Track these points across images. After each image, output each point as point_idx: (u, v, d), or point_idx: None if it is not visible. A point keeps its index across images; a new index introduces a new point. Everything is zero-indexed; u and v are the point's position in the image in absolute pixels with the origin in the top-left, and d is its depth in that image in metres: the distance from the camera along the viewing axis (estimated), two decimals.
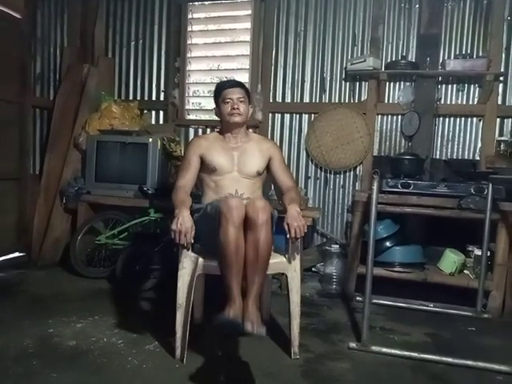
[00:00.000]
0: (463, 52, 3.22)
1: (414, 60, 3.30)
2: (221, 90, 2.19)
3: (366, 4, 3.41)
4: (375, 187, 2.10)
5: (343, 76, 3.49)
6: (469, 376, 1.91)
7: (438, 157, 3.30)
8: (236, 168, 2.16)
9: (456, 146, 3.30)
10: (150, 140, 3.28)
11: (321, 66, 3.54)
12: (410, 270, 2.82)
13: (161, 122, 3.89)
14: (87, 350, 2.02)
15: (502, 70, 3.15)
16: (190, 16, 3.78)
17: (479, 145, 3.24)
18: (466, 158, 3.27)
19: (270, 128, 3.62)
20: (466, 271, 2.87)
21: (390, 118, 3.41)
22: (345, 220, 3.52)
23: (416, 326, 2.45)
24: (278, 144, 3.43)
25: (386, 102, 3.40)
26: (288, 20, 3.57)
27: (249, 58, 3.65)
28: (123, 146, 3.34)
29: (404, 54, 3.34)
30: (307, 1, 3.52)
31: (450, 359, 2.01)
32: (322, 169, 3.56)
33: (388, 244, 2.86)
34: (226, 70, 3.73)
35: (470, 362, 1.98)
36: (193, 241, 1.87)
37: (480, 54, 3.19)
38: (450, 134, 3.30)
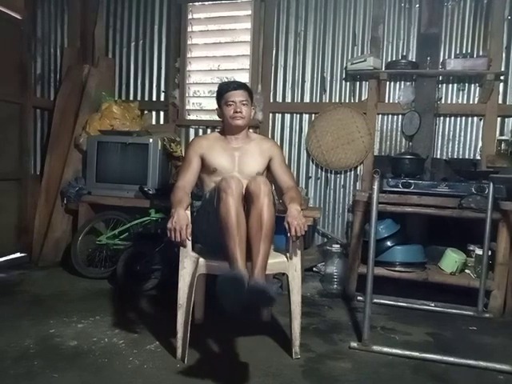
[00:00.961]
0: (463, 51, 3.23)
1: (414, 59, 3.30)
2: (223, 92, 2.16)
3: (366, 4, 3.41)
4: (376, 187, 2.09)
5: (343, 76, 3.50)
6: (470, 375, 1.91)
7: (438, 156, 3.31)
8: (237, 169, 2.15)
9: (457, 146, 3.30)
10: (151, 140, 3.29)
11: (321, 65, 3.54)
12: (411, 270, 2.81)
13: (161, 122, 3.89)
14: (88, 350, 2.02)
15: (503, 69, 3.15)
16: (190, 16, 3.78)
17: (480, 144, 3.24)
18: (466, 157, 3.27)
19: (270, 128, 3.63)
20: (467, 271, 2.86)
21: (390, 118, 3.41)
22: (345, 220, 3.53)
23: (417, 325, 2.45)
24: (279, 144, 3.42)
25: (387, 101, 3.40)
26: (288, 20, 3.58)
27: (249, 59, 3.65)
28: (124, 146, 3.34)
29: (404, 53, 3.34)
30: (307, 1, 3.53)
31: (451, 359, 2.00)
32: (323, 169, 3.56)
33: (389, 244, 2.86)
34: (226, 70, 3.73)
35: (471, 362, 1.98)
36: (190, 238, 1.86)
37: (480, 54, 3.20)
38: (451, 133, 3.30)
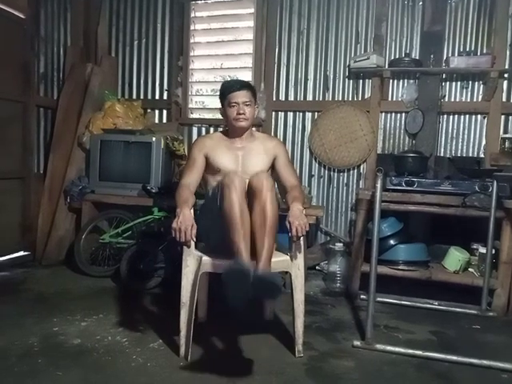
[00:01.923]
0: (467, 49, 3.21)
1: (417, 57, 3.29)
2: (226, 93, 2.14)
3: (369, 1, 3.40)
4: (379, 185, 2.09)
5: (346, 74, 3.49)
6: (473, 374, 1.91)
7: (442, 154, 3.29)
8: (240, 168, 2.14)
9: (460, 144, 3.29)
10: (154, 139, 3.29)
11: (324, 63, 3.53)
12: (415, 268, 2.80)
13: (164, 120, 3.89)
14: (92, 349, 2.03)
15: (507, 66, 3.13)
16: (192, 14, 3.77)
17: (483, 142, 3.22)
18: (470, 155, 3.26)
19: (273, 126, 3.62)
20: (470, 269, 2.85)
21: (393, 116, 3.40)
22: (349, 218, 3.52)
23: (420, 324, 2.45)
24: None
25: (390, 99, 3.39)
26: (291, 18, 3.57)
27: (252, 57, 3.64)
28: (127, 145, 3.34)
29: (407, 51, 3.33)
30: None
31: (454, 357, 2.00)
32: (326, 167, 3.55)
33: (392, 242, 2.85)
34: (229, 68, 3.72)
35: (474, 360, 1.97)
36: (194, 239, 1.86)
37: (484, 51, 3.18)
38: (454, 131, 3.29)
